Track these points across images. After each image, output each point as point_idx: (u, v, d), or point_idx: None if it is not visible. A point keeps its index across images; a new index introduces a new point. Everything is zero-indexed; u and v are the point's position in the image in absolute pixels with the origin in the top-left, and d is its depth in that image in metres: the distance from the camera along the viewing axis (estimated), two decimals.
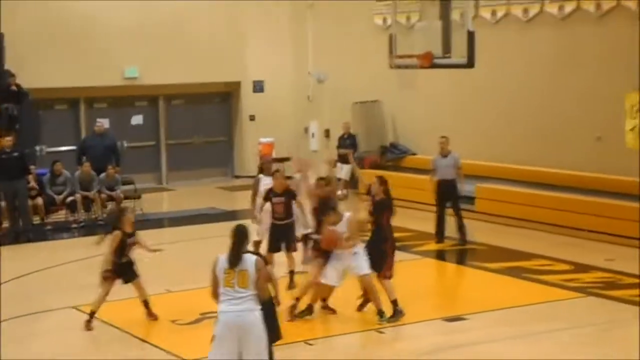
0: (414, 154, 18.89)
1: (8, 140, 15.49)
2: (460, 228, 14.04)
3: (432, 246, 13.92)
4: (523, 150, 16.38)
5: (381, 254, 10.07)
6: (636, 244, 13.57)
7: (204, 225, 16.35)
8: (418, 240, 14.27)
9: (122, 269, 10.13)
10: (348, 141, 19.36)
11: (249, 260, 7.07)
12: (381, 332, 9.89)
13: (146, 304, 10.37)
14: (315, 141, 21.58)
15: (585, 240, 14.30)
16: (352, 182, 18.36)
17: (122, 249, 10.10)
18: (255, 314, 7.00)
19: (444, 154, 14.09)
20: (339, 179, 19.03)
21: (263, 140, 21.25)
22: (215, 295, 7.16)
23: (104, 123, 18.52)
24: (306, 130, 21.75)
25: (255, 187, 12.10)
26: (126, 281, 10.27)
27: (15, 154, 15.47)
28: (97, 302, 10.06)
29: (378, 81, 19.16)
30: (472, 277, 11.81)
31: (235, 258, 7.04)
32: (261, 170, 12.46)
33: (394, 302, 10.11)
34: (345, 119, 19.53)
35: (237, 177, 22.23)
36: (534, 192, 15.58)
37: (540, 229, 15.07)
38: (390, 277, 10.15)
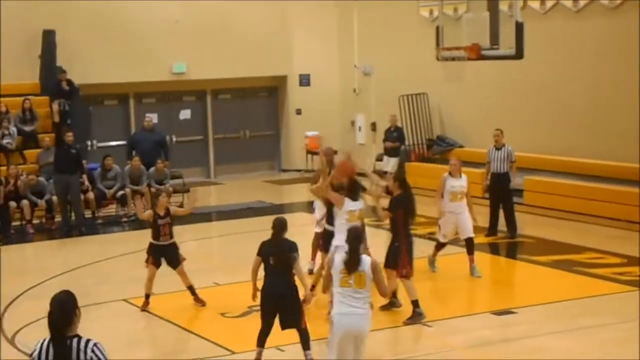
0: (461, 147, 18.83)
1: (69, 136, 15.74)
2: (511, 221, 13.87)
3: (482, 239, 13.78)
4: (572, 142, 16.28)
5: (395, 250, 9.88)
6: None
7: (252, 218, 16.43)
8: None
9: (160, 251, 10.28)
10: (395, 134, 19.38)
11: (366, 262, 7.02)
12: (429, 326, 9.86)
13: (192, 289, 10.48)
14: (362, 134, 21.61)
15: (638, 233, 14.11)
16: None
17: (156, 231, 10.32)
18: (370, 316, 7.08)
19: (498, 146, 13.96)
20: (386, 172, 19.05)
21: (309, 133, 21.40)
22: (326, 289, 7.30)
23: (152, 118, 18.70)
24: (353, 123, 21.82)
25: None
26: (169, 264, 10.39)
27: (73, 150, 15.74)
28: (146, 286, 10.35)
29: (425, 74, 19.10)
30: (521, 271, 11.75)
31: (354, 262, 6.96)
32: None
33: (414, 303, 9.86)
34: (391, 111, 19.55)
35: (284, 170, 22.31)
36: (583, 184, 15.48)
37: (591, 222, 14.96)
38: (407, 276, 9.89)
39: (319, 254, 10.84)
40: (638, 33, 15.02)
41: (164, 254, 10.34)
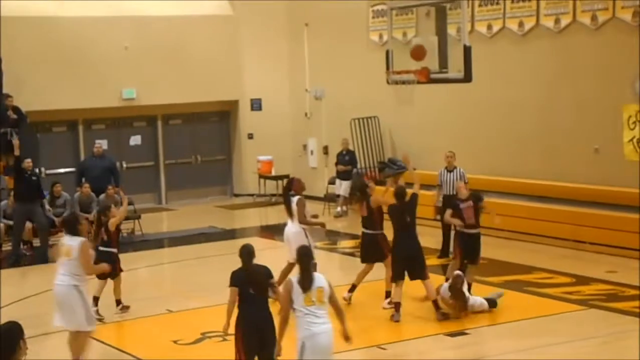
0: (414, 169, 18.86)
1: (28, 162, 15.69)
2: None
3: (433, 261, 13.85)
4: (521, 163, 16.36)
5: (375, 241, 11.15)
6: (637, 255, 13.62)
7: (204, 244, 16.35)
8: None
9: (100, 258, 10.28)
10: (347, 157, 19.47)
11: (320, 278, 7.11)
12: (383, 349, 9.91)
13: (118, 302, 11.20)
14: (314, 158, 21.64)
15: (586, 253, 14.34)
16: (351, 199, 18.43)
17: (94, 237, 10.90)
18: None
19: (450, 168, 14.02)
20: (338, 196, 19.20)
21: (262, 158, 21.38)
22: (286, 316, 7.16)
23: (102, 144, 18.59)
24: (305, 147, 21.85)
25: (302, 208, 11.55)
26: (109, 275, 10.79)
27: (34, 177, 15.73)
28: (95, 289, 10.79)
29: (375, 97, 19.20)
30: (473, 291, 11.76)
31: (308, 280, 7.04)
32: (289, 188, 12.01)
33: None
34: (343, 135, 19.62)
35: (237, 195, 22.28)
36: (533, 205, 15.61)
37: (540, 242, 15.12)
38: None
39: None
40: (584, 55, 15.30)
41: (105, 260, 10.27)
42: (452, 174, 13.94)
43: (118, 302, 11.30)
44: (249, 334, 7.55)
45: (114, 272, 11.00)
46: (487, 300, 11.12)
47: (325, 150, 21.24)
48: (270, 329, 7.54)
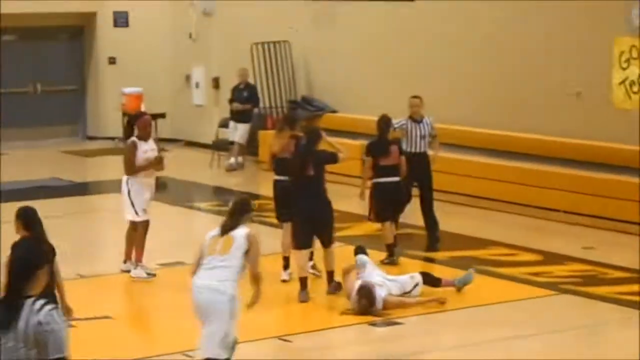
0: (333, 112, 18.88)
1: None
2: (431, 217, 13.76)
3: (357, 229, 13.84)
4: (478, 111, 16.48)
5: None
6: (624, 228, 13.80)
7: (45, 200, 15.46)
8: (345, 222, 13.84)
9: None
10: (245, 93, 19.31)
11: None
12: (289, 341, 9.98)
13: None
14: (201, 93, 21.50)
15: (559, 224, 14.45)
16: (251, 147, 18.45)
17: None
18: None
19: (417, 118, 13.65)
20: (232, 143, 19.16)
21: (127, 90, 21.13)
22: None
23: None
24: (188, 78, 21.72)
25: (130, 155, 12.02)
26: None
27: None
28: None
29: (286, 15, 19.13)
30: (410, 270, 11.76)
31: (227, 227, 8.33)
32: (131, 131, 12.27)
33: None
34: (241, 64, 19.51)
35: (91, 138, 22.21)
36: (492, 161, 15.80)
37: (500, 209, 15.23)
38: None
39: None
40: None
41: None
42: (419, 125, 13.56)
43: None
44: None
45: None
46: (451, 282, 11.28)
47: (216, 83, 21.13)
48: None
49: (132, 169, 11.86)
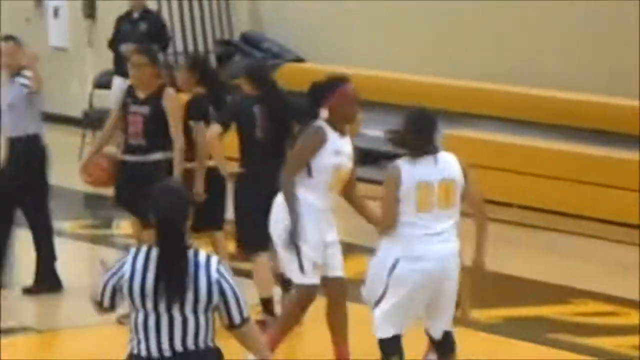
0: (298, 60, 16.93)
1: None
2: None
3: None
4: (469, 62, 15.80)
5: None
6: None
7: None
8: None
9: None
10: (143, 27, 16.42)
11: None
12: None
13: None
14: (62, 26, 19.09)
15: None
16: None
17: None
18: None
19: None
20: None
21: None
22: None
23: None
24: (40, 2, 19.42)
25: None
26: None
27: None
28: None
29: None
30: None
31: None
32: None
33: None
34: None
35: None
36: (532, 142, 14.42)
37: (568, 229, 13.25)
38: None
39: None
40: None
41: None
42: None
43: None
44: None
45: None
46: None
47: (91, 9, 18.51)
48: None
49: None
